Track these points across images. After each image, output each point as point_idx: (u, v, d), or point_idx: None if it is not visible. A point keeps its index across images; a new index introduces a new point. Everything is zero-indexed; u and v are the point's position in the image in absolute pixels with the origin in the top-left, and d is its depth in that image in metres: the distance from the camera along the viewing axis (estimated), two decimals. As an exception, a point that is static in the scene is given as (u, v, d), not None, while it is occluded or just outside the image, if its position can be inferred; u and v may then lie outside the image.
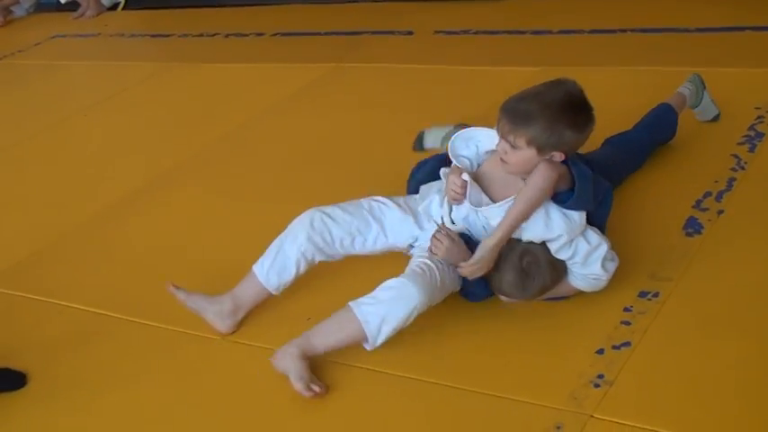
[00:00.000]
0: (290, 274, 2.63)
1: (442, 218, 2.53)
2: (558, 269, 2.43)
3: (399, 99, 4.33)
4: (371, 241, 2.65)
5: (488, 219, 2.45)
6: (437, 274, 2.43)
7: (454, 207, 2.52)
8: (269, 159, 3.93)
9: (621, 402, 2.08)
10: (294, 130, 4.19)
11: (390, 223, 2.64)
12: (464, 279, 2.50)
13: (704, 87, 3.23)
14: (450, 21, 5.25)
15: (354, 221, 2.63)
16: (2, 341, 2.83)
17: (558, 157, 2.35)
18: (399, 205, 2.67)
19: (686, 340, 2.26)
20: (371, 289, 2.46)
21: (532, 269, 2.40)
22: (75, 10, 7.22)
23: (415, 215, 2.65)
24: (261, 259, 2.65)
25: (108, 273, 3.21)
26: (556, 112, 2.32)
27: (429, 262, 2.46)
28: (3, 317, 3.05)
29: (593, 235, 2.40)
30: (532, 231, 2.39)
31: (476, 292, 2.54)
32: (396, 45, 5.11)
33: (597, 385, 2.14)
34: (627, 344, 2.26)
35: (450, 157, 2.54)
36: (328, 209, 2.65)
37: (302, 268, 2.63)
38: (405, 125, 3.91)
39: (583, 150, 2.57)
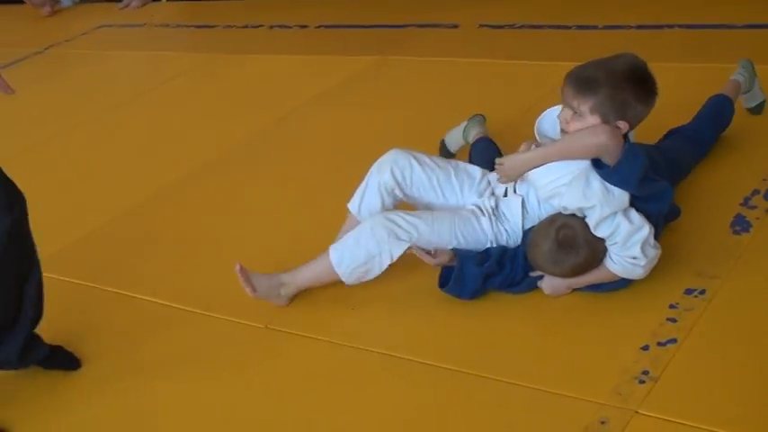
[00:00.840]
0: (375, 208, 2.71)
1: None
2: (596, 250, 2.43)
3: (443, 93, 4.33)
4: (443, 199, 2.73)
5: (534, 182, 2.51)
6: (412, 215, 2.60)
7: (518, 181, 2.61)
8: (312, 151, 3.96)
9: (667, 399, 2.08)
10: (337, 123, 4.21)
11: (468, 186, 2.74)
12: (503, 269, 2.54)
13: (755, 73, 3.23)
14: (494, 15, 5.23)
15: (438, 172, 2.73)
16: (56, 326, 2.88)
17: (623, 126, 2.38)
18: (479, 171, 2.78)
19: (733, 339, 2.25)
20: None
21: (568, 243, 2.42)
22: (120, 0, 7.29)
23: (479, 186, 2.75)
24: (353, 198, 2.77)
25: (156, 260, 3.26)
26: (621, 79, 2.38)
27: None
28: (53, 302, 3.10)
29: (636, 216, 2.38)
30: (570, 196, 2.41)
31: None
32: (440, 38, 5.11)
33: (642, 381, 2.14)
34: (672, 341, 2.25)
35: (535, 134, 2.61)
36: (417, 152, 2.76)
37: (387, 201, 2.72)
38: (448, 119, 3.91)
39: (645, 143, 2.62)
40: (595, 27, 4.67)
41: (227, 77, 5.23)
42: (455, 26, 5.23)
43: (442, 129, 3.79)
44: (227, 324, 2.79)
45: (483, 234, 2.63)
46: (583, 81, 2.40)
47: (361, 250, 2.58)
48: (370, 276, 2.63)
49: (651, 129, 3.06)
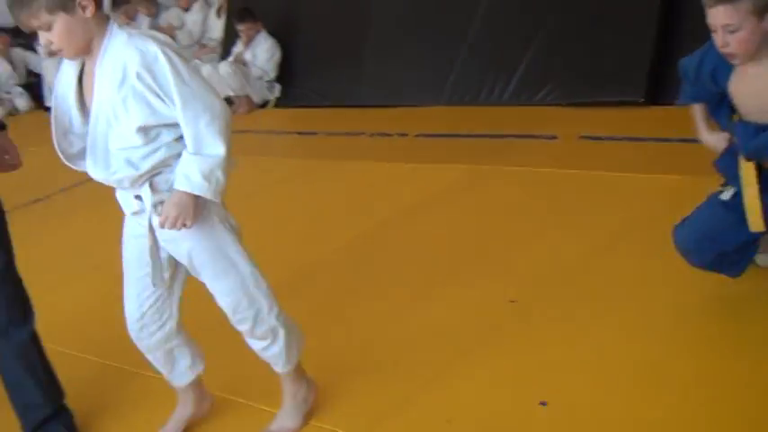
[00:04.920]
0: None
1: None
2: None
3: (539, 204, 4.32)
4: None
5: None
6: None
7: None
8: (407, 259, 3.96)
9: None
10: (435, 232, 4.22)
11: None
12: None
13: None
14: (595, 126, 5.25)
15: None
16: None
17: None
18: None
19: None
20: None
21: None
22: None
23: None
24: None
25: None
26: None
27: None
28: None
29: None
30: None
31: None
32: (538, 149, 5.13)
33: None
34: None
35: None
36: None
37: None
38: (547, 229, 3.92)
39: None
40: (684, 140, 4.59)
41: (327, 183, 5.32)
42: (554, 137, 5.26)
43: (534, 241, 3.78)
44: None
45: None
46: None
47: None
48: None
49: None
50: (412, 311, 3.39)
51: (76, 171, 2.48)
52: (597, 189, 4.31)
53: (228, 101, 7.53)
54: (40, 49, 9.28)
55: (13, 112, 9.46)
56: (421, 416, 2.72)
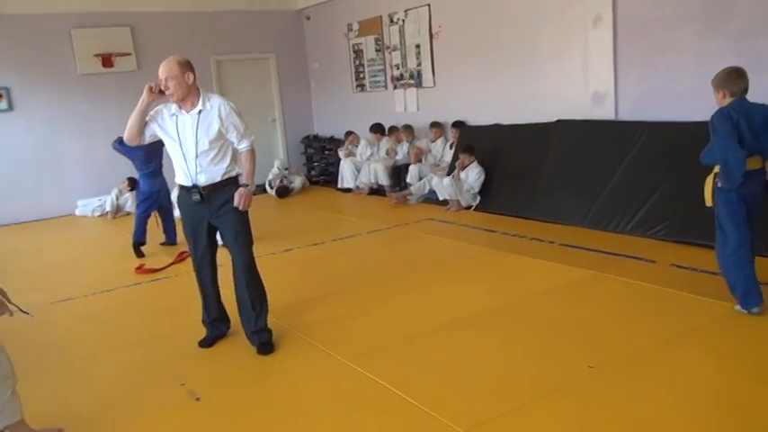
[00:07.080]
0: None
1: None
2: None
3: (631, 303, 4.33)
4: None
5: None
6: None
7: None
8: (528, 325, 4.06)
9: None
10: (555, 310, 4.29)
11: None
12: None
13: None
14: (685, 259, 5.15)
15: None
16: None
17: None
18: None
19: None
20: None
21: None
22: (445, 204, 7.95)
23: None
24: None
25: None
26: None
27: None
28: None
29: None
30: None
31: None
32: (640, 268, 5.08)
33: None
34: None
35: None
36: None
37: None
38: (626, 321, 3.99)
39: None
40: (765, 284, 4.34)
41: (494, 266, 5.46)
42: (653, 261, 5.20)
43: (624, 325, 3.83)
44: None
45: None
46: None
47: None
48: None
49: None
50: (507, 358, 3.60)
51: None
52: (669, 301, 4.32)
53: (446, 201, 8.03)
54: (341, 153, 10.18)
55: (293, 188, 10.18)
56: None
